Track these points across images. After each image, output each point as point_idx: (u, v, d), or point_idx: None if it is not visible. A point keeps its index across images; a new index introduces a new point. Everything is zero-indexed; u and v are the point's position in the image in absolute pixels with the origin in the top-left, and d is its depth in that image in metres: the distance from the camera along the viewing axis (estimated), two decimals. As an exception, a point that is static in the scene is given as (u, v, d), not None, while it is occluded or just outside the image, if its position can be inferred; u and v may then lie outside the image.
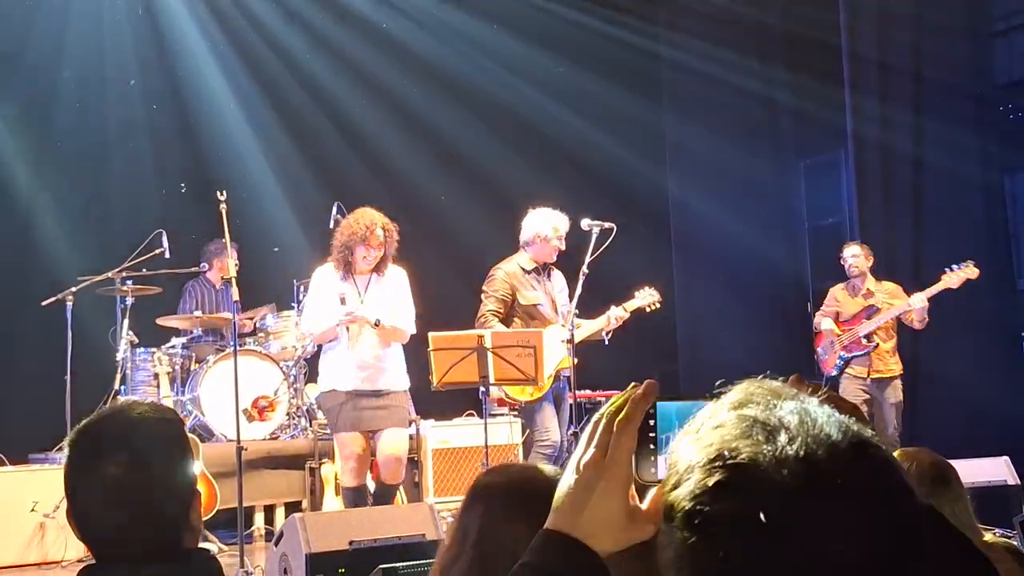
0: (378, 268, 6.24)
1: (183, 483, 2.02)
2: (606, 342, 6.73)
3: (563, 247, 6.77)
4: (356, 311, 6.10)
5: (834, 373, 7.89)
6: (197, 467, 2.14)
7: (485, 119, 10.34)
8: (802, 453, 0.87)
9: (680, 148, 10.74)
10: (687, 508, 0.89)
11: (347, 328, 6.12)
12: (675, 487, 0.92)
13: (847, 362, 7.86)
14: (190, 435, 2.40)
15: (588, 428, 1.09)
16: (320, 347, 6.70)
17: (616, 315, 6.71)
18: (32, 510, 6.61)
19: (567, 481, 1.07)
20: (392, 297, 6.24)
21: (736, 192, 10.19)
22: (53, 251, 8.57)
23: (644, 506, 1.06)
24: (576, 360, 6.45)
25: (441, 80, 10.33)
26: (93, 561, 2.00)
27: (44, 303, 7.54)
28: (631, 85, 10.41)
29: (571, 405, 6.72)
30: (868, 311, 7.84)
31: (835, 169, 10.26)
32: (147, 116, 9.59)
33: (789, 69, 10.11)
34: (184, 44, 9.79)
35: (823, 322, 8.07)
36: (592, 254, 6.48)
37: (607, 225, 6.52)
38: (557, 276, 6.88)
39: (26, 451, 7.72)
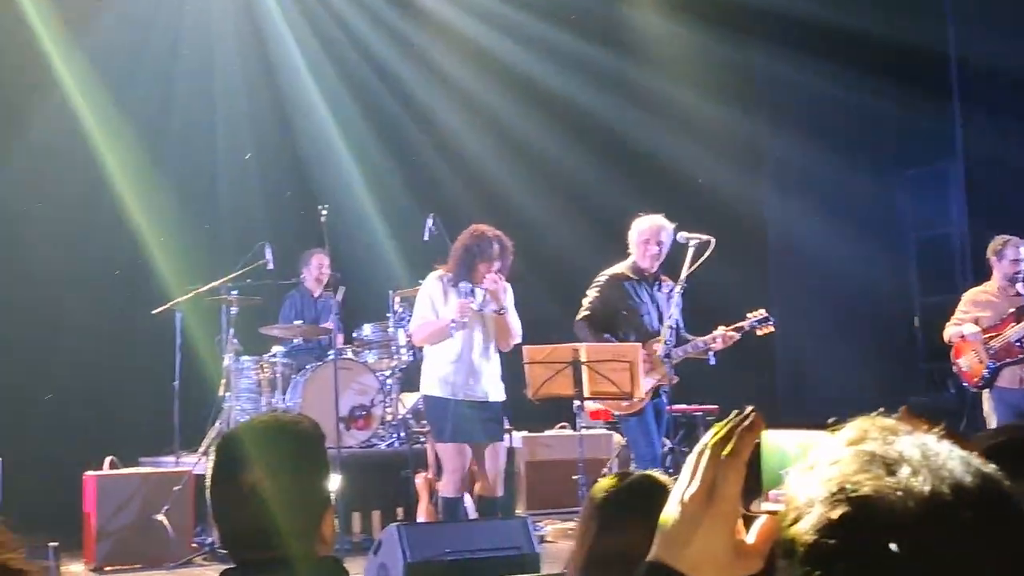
0: None
1: (317, 494, 2.11)
2: (712, 361, 6.52)
3: (662, 254, 6.61)
4: (465, 308, 6.15)
5: (981, 384, 7.10)
6: (334, 480, 2.24)
7: (580, 133, 10.35)
8: (927, 487, 0.86)
9: (778, 161, 10.63)
10: (809, 542, 0.88)
11: (460, 333, 6.16)
12: (794, 522, 0.91)
13: (996, 372, 7.02)
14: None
15: (691, 458, 1.08)
16: (420, 355, 6.80)
17: (724, 336, 6.45)
18: (143, 511, 6.81)
19: (671, 512, 1.06)
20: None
21: (836, 205, 10.04)
22: (164, 262, 8.84)
23: (751, 540, 1.05)
24: (672, 375, 6.40)
25: (536, 94, 10.35)
26: (231, 565, 2.12)
27: (155, 312, 7.80)
28: (728, 97, 10.33)
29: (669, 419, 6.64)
30: (1019, 313, 7.02)
31: (941, 180, 10.07)
32: (252, 131, 9.83)
33: (892, 79, 9.94)
34: (287, 61, 10.02)
35: (965, 328, 7.11)
36: (689, 268, 6.39)
37: (704, 238, 6.42)
38: (668, 286, 6.65)
39: (137, 454, 7.96)
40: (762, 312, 6.56)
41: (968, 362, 7.14)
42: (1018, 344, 6.95)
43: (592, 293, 6.58)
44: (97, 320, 8.62)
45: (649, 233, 6.58)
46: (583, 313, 6.53)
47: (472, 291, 6.27)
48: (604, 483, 2.16)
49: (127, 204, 9.00)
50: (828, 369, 8.98)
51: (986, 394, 7.13)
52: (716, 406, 8.06)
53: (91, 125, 8.92)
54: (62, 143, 8.88)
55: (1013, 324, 6.99)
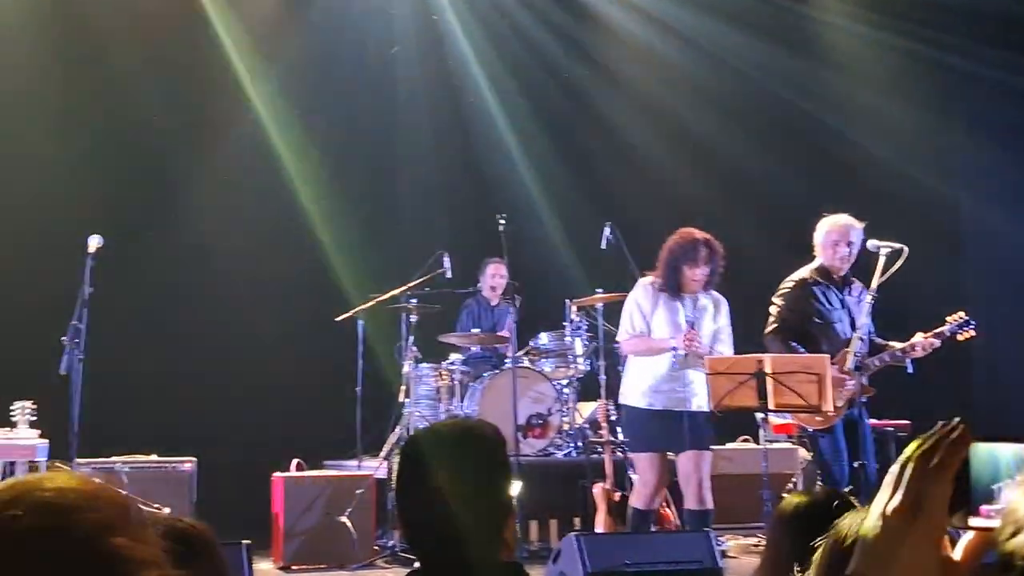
0: (705, 288, 6.22)
1: (501, 499, 2.13)
2: (910, 370, 6.20)
3: (852, 255, 6.28)
4: (695, 338, 6.09)
5: None
6: (516, 487, 2.25)
7: (764, 138, 10.13)
8: None
9: (972, 163, 10.20)
10: None
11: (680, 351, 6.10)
12: (1012, 536, 0.89)
13: None
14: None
15: (894, 470, 1.05)
16: (597, 365, 6.78)
17: (924, 342, 6.11)
18: (327, 513, 6.99)
19: (872, 525, 1.03)
20: (713, 320, 6.24)
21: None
22: (346, 271, 9.10)
23: (957, 556, 1.02)
24: (867, 386, 6.11)
25: (717, 98, 10.21)
26: (417, 566, 2.15)
27: (337, 319, 8.03)
28: (919, 99, 9.98)
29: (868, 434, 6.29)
30: None
31: None
32: (432, 142, 10.03)
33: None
34: (467, 72, 10.18)
35: None
36: (880, 278, 6.08)
37: (896, 246, 6.08)
38: (859, 289, 6.34)
39: (321, 457, 8.20)
40: (962, 315, 6.15)
41: None
42: None
43: (779, 302, 6.35)
44: (284, 329, 8.98)
45: (839, 233, 6.29)
46: (772, 326, 6.30)
47: (683, 302, 6.19)
48: (791, 500, 2.10)
49: (311, 217, 9.33)
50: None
51: None
52: (907, 421, 7.74)
53: (279, 143, 9.33)
54: (251, 161, 9.30)
55: None
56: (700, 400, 6.13)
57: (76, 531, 1.05)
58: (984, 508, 1.01)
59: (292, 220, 9.26)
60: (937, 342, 6.10)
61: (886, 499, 1.04)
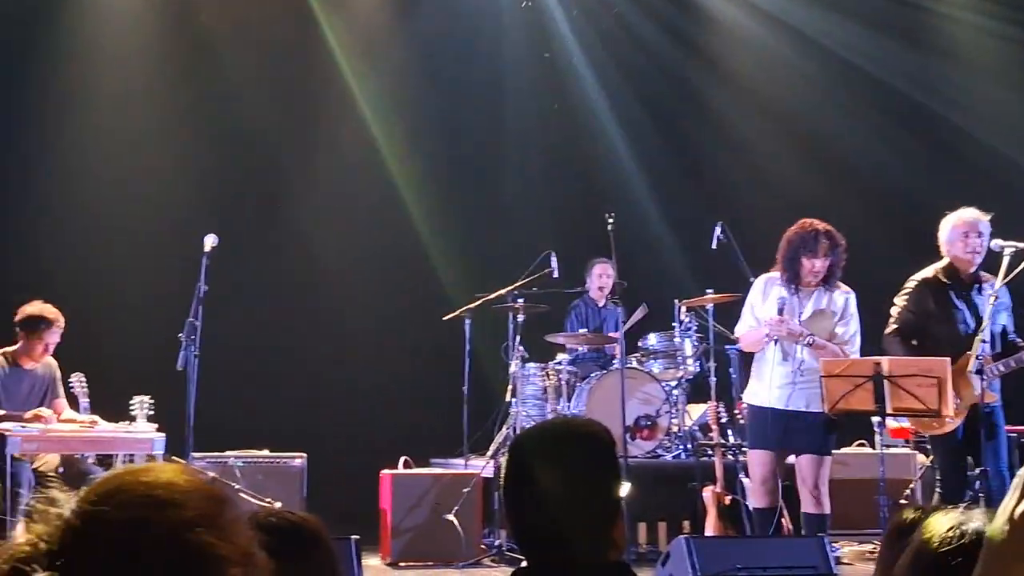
0: (826, 281, 6.07)
1: (610, 499, 2.10)
2: None
3: (983, 246, 5.98)
4: (789, 322, 5.96)
5: None
6: (625, 488, 2.22)
7: (882, 135, 9.91)
8: None
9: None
10: None
11: (774, 340, 6.00)
12: None
13: None
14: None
15: (1022, 474, 1.02)
16: (707, 367, 6.70)
17: None
18: (434, 510, 7.03)
19: (999, 529, 1.00)
20: (833, 315, 6.09)
21: None
22: (454, 269, 9.16)
23: None
24: (988, 391, 5.81)
25: (834, 95, 10.02)
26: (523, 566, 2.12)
27: (445, 318, 8.07)
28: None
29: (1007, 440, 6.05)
30: None
31: None
32: (540, 141, 10.04)
33: None
34: (574, 69, 10.18)
35: None
36: (1004, 279, 5.82)
37: (1021, 246, 5.83)
38: (990, 285, 6.04)
39: (429, 455, 8.26)
40: None
41: None
42: None
43: (900, 302, 6.16)
44: (392, 328, 9.12)
45: (967, 225, 6.03)
46: (892, 326, 6.13)
47: (797, 295, 6.06)
48: (907, 513, 2.02)
49: (419, 217, 9.43)
50: None
51: None
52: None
53: (386, 145, 9.46)
54: (359, 162, 9.48)
55: None
56: (815, 400, 5.97)
57: (161, 526, 1.07)
58: None
59: (400, 220, 9.40)
60: None
61: (1014, 503, 1.01)
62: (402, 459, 7.49)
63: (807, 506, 6.03)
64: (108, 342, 8.12)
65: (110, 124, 8.82)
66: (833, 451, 7.81)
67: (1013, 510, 1.01)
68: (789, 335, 5.95)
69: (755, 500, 6.09)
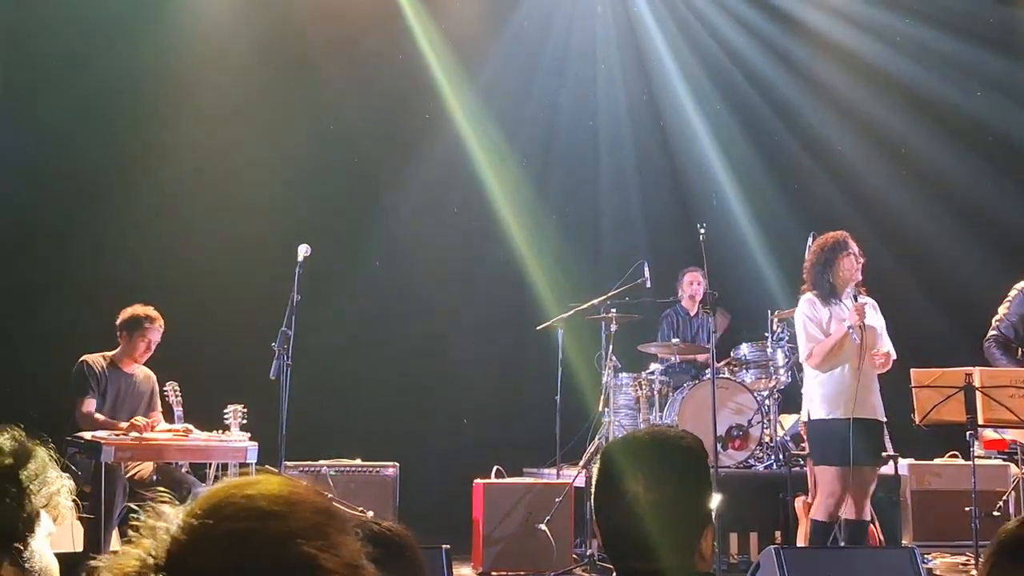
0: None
1: (699, 509, 2.13)
2: None
3: None
4: (861, 309, 5.90)
5: None
6: (715, 498, 2.25)
7: (974, 146, 9.73)
8: None
9: None
10: None
11: (842, 353, 5.97)
12: None
13: None
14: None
15: None
16: (800, 376, 6.65)
17: None
18: (526, 520, 7.10)
19: None
20: (876, 321, 6.07)
21: None
22: (546, 279, 9.22)
23: None
24: None
25: (924, 106, 9.85)
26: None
27: (538, 328, 8.16)
28: None
29: None
30: None
31: None
32: (633, 152, 10.09)
33: None
34: (668, 81, 10.19)
35: None
36: None
37: None
38: None
39: (521, 464, 8.34)
40: None
41: None
42: None
43: (1002, 310, 6.07)
44: (485, 337, 9.20)
45: None
46: (991, 333, 6.06)
47: (844, 303, 6.04)
48: (1009, 525, 2.02)
49: (511, 227, 9.49)
50: None
51: None
52: None
53: (479, 154, 9.52)
54: (452, 172, 9.54)
55: None
56: (878, 410, 5.96)
57: (267, 538, 1.07)
58: None
59: (493, 230, 9.45)
60: None
61: None
62: (495, 468, 7.58)
63: (849, 512, 6.00)
64: (202, 351, 8.19)
65: (208, 135, 8.94)
66: (927, 462, 7.75)
67: None
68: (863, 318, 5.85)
69: (818, 512, 6.04)
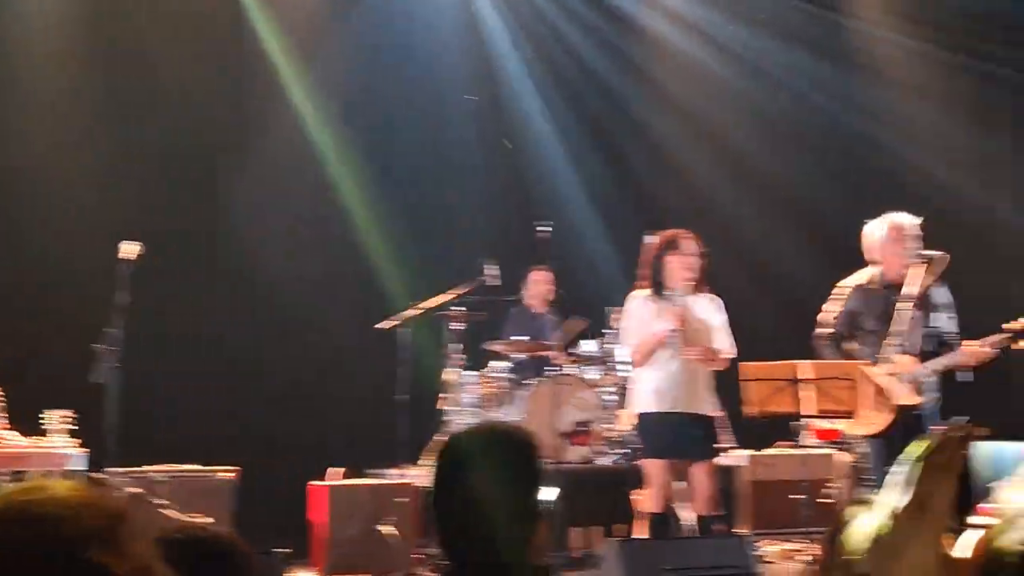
0: (698, 287, 6.17)
1: (533, 503, 2.15)
2: (966, 378, 5.93)
3: (912, 254, 6.00)
4: (682, 313, 6.05)
5: None
6: (550, 492, 2.27)
7: (805, 148, 10.09)
8: None
9: (1016, 175, 10.03)
10: (1020, 553, 0.89)
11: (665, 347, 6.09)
12: (1006, 532, 0.92)
13: None
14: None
15: (901, 470, 1.09)
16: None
17: (976, 352, 5.83)
18: (369, 521, 6.99)
19: (881, 524, 1.07)
20: (712, 317, 6.20)
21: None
22: (391, 276, 9.12)
23: (959, 554, 1.05)
24: (919, 397, 5.94)
25: (760, 109, 10.17)
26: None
27: (378, 326, 8.06)
28: (961, 110, 9.83)
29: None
30: None
31: None
32: (477, 149, 10.07)
33: None
34: (511, 80, 10.22)
35: None
36: (921, 286, 5.93)
37: (937, 254, 5.97)
38: (939, 295, 6.13)
39: (364, 465, 8.18)
40: (1023, 322, 5.83)
41: None
42: None
43: (830, 307, 6.27)
44: (326, 336, 8.97)
45: (899, 229, 6.08)
46: (819, 329, 6.25)
47: (675, 303, 6.15)
48: (845, 509, 2.09)
49: (355, 223, 9.34)
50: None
51: None
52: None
53: (321, 149, 9.32)
54: (293, 167, 9.27)
55: None
56: (706, 403, 6.10)
57: (51, 543, 1.04)
58: (983, 506, 1.03)
59: (335, 226, 9.26)
60: (991, 351, 5.84)
61: (896, 498, 1.07)
62: (336, 470, 7.46)
63: (697, 508, 6.16)
64: (31, 356, 7.81)
65: (28, 125, 8.46)
66: (757, 452, 7.99)
67: (896, 505, 1.08)
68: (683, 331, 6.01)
69: (650, 505, 6.16)
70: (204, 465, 7.14)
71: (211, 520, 6.06)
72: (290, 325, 8.95)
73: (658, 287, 6.13)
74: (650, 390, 6.15)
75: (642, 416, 6.23)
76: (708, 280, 6.25)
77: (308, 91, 9.33)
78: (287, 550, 6.20)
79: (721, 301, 6.27)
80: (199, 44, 8.95)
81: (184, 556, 1.92)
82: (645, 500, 6.28)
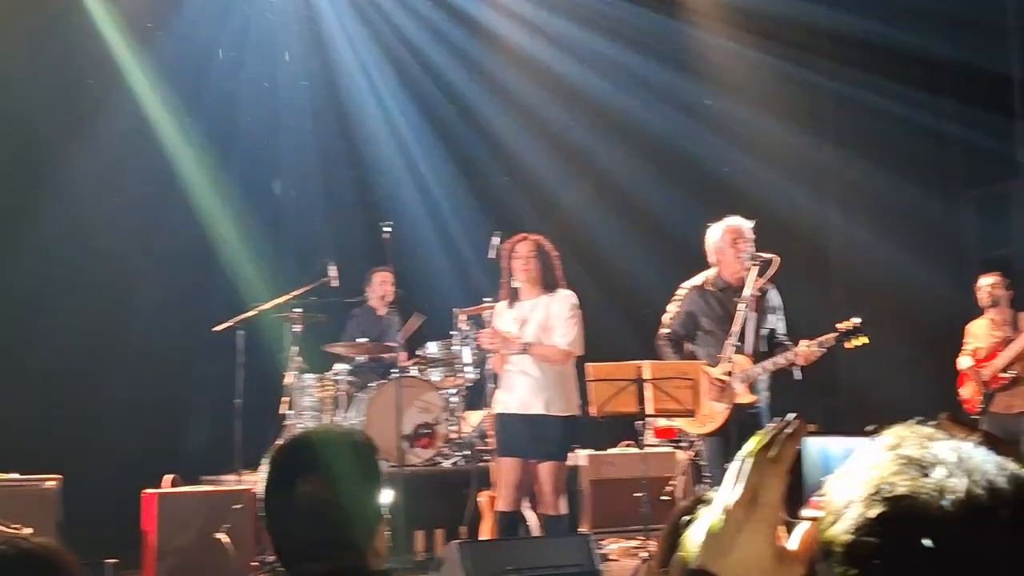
0: (545, 288, 6.29)
1: (371, 506, 2.11)
2: (796, 376, 6.11)
3: (748, 256, 6.14)
4: (489, 336, 6.30)
5: (980, 411, 7.50)
6: (387, 494, 2.23)
7: (645, 152, 10.32)
8: (962, 487, 0.90)
9: (843, 182, 10.50)
10: (848, 542, 0.92)
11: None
12: (833, 523, 0.94)
13: (990, 399, 7.48)
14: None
15: (735, 466, 1.08)
16: (487, 373, 6.84)
17: (805, 352, 5.98)
18: (203, 529, 6.79)
19: (713, 519, 1.07)
20: (547, 314, 6.28)
21: (901, 225, 9.90)
22: (228, 278, 8.86)
23: (792, 546, 1.05)
24: (754, 396, 6.09)
25: (602, 113, 10.36)
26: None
27: (216, 329, 7.83)
28: (793, 117, 10.22)
29: None
30: (1006, 343, 7.46)
31: (1004, 201, 9.91)
32: (317, 148, 9.90)
33: (957, 100, 9.79)
34: (351, 78, 10.11)
35: (961, 361, 7.73)
36: (752, 288, 6.12)
37: (767, 257, 6.14)
38: (771, 296, 6.32)
39: (198, 472, 7.97)
40: (855, 323, 6.02)
41: (968, 392, 7.65)
42: (1003, 372, 7.42)
43: (671, 308, 6.41)
44: (160, 338, 8.59)
45: (735, 232, 6.25)
46: (662, 329, 6.38)
47: (523, 307, 6.34)
48: (682, 505, 2.14)
49: (192, 223, 9.03)
50: (892, 389, 8.75)
51: (986, 423, 7.31)
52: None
53: (159, 147, 8.99)
54: (129, 163, 8.86)
55: (1001, 353, 7.46)
56: (553, 405, 6.18)
57: None
58: (814, 499, 1.07)
59: (171, 225, 8.91)
60: (819, 350, 6.03)
61: (728, 493, 1.07)
62: (168, 477, 7.20)
63: (541, 508, 6.27)
64: None
65: None
66: (602, 452, 8.11)
67: (728, 499, 1.07)
68: (505, 344, 6.18)
69: (499, 504, 6.26)
70: (33, 474, 6.77)
71: (31, 530, 5.76)
72: (121, 327, 8.54)
73: (509, 292, 6.33)
74: (500, 390, 6.32)
75: (495, 416, 6.36)
76: (564, 278, 6.39)
77: (145, 88, 8.98)
78: (114, 561, 5.96)
79: (570, 297, 6.33)
80: (36, 29, 8.52)
81: (3, 567, 1.89)
82: (496, 500, 6.31)
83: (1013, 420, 7.40)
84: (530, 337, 6.21)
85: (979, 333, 7.73)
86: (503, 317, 6.37)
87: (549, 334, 6.22)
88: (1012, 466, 0.94)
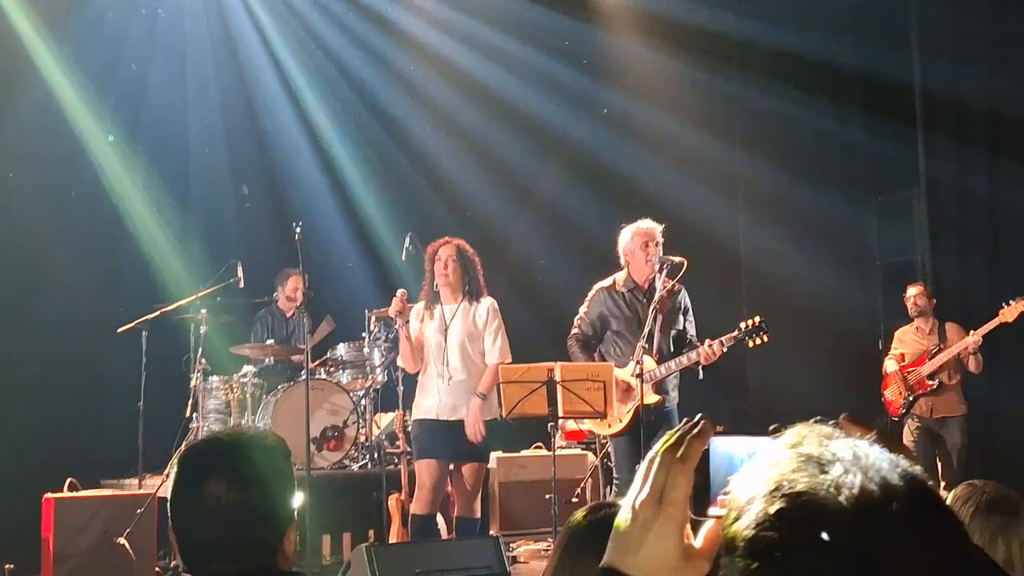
0: (470, 295, 6.31)
1: (282, 509, 2.08)
2: (700, 376, 6.20)
3: (657, 259, 6.20)
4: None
5: (901, 413, 7.82)
6: (298, 498, 2.19)
7: (558, 156, 10.38)
8: (856, 483, 0.93)
9: (752, 188, 10.66)
10: (749, 536, 0.95)
11: (430, 353, 6.28)
12: (736, 520, 0.97)
13: (913, 403, 7.78)
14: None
15: (643, 465, 1.10)
16: (395, 375, 6.81)
17: (707, 351, 6.03)
18: (104, 534, 6.64)
19: (623, 518, 1.08)
20: (472, 321, 6.29)
21: (808, 231, 10.07)
22: (132, 279, 8.67)
23: (698, 544, 1.08)
24: (660, 396, 6.15)
25: (515, 116, 10.36)
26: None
27: (120, 330, 7.63)
28: (704, 124, 10.35)
29: None
30: (931, 351, 7.78)
31: (906, 207, 10.15)
32: (226, 147, 9.74)
33: (862, 109, 10.01)
34: (262, 77, 9.99)
35: (887, 364, 8.05)
36: (661, 290, 6.16)
37: (677, 260, 6.20)
38: (680, 298, 6.40)
39: (99, 476, 7.80)
40: (756, 321, 6.11)
41: (892, 394, 7.96)
42: (929, 379, 7.76)
43: (582, 310, 6.45)
44: (60, 338, 8.36)
45: (646, 235, 6.31)
46: (573, 331, 6.42)
47: (444, 312, 6.34)
48: (579, 514, 2.13)
49: (96, 220, 8.82)
50: (799, 391, 8.92)
51: (908, 424, 7.84)
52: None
53: (65, 138, 8.75)
54: (34, 155, 8.62)
55: (928, 360, 7.79)
56: (466, 409, 6.19)
57: None
58: (720, 498, 1.08)
59: (74, 222, 8.68)
60: (721, 349, 6.09)
61: (636, 492, 1.08)
62: (67, 481, 7.00)
63: (457, 510, 6.29)
64: None
65: None
66: (513, 454, 8.11)
67: (635, 498, 1.08)
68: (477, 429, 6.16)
69: (415, 507, 6.25)
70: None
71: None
72: (20, 326, 8.28)
73: (429, 294, 6.34)
74: (422, 396, 6.33)
75: (415, 421, 6.38)
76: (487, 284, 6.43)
77: (55, 78, 8.72)
78: (10, 566, 5.77)
79: (492, 305, 6.35)
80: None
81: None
82: (413, 503, 6.29)
83: (936, 423, 7.76)
84: (455, 346, 6.22)
85: (906, 339, 8.05)
86: (428, 326, 6.33)
87: (478, 344, 6.25)
88: (904, 463, 0.97)
